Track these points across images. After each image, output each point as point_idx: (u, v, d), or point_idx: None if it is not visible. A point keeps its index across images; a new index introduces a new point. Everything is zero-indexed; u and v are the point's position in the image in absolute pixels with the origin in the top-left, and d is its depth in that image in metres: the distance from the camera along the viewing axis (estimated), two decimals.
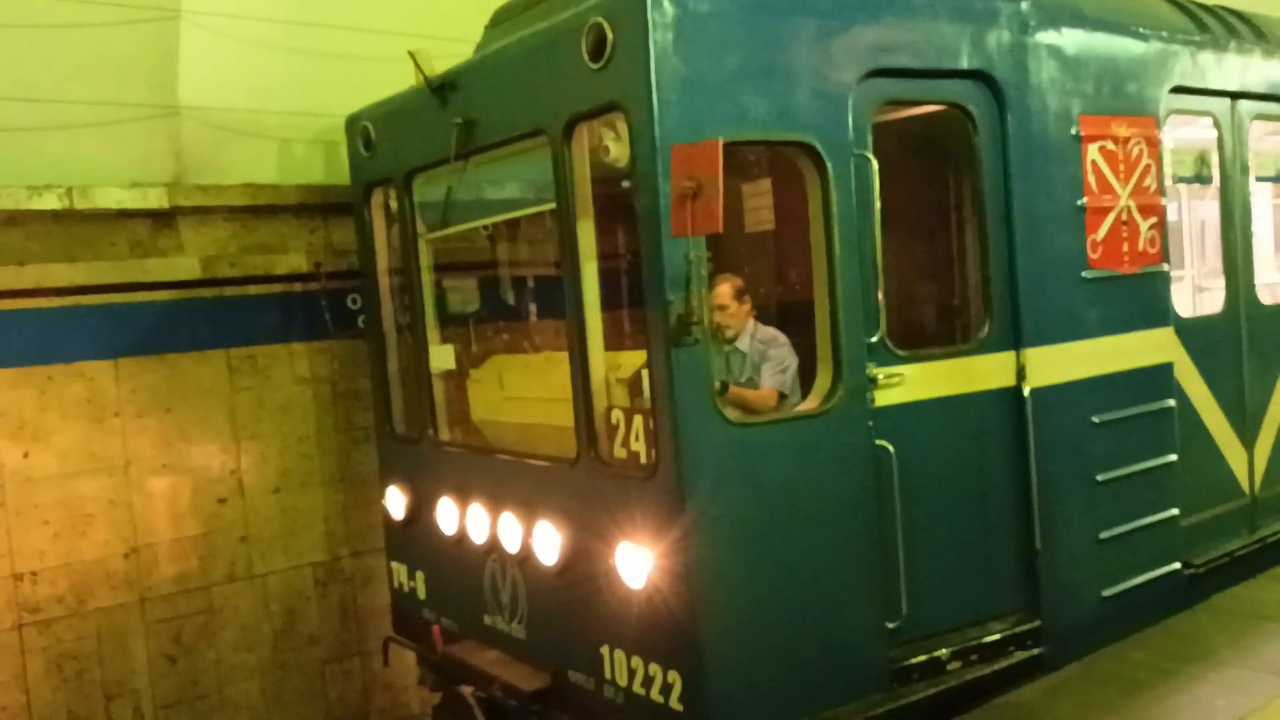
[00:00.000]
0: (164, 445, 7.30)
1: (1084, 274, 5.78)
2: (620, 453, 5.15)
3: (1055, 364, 5.63)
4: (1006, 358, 5.51)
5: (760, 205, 7.29)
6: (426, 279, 6.58)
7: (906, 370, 5.21)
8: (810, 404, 5.08)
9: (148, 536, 7.27)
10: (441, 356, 6.52)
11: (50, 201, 6.80)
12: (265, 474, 7.67)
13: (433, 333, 6.62)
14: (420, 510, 6.64)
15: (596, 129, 5.00)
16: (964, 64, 5.35)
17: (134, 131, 7.09)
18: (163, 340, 7.29)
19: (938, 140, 5.64)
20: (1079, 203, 5.75)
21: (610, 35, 4.66)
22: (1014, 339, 5.51)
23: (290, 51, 7.25)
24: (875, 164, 5.00)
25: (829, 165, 4.92)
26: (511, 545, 5.75)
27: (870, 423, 5.08)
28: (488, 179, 6.24)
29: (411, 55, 5.88)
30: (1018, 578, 5.52)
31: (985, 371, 5.46)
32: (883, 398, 5.15)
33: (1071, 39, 5.69)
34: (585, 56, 4.79)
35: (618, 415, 5.15)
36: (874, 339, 5.07)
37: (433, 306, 6.61)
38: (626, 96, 4.65)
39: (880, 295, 5.08)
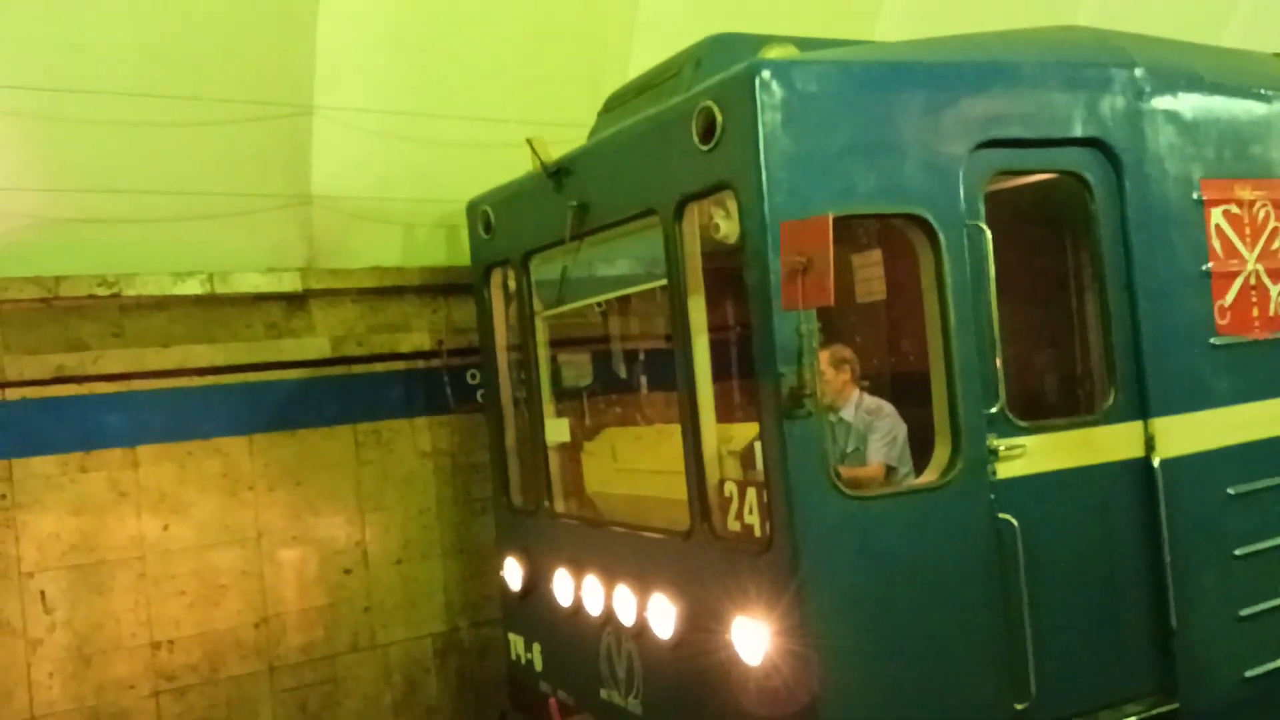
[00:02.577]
0: (293, 517, 7.59)
1: (1213, 341, 5.60)
2: (734, 525, 5.16)
3: (1186, 434, 5.44)
4: (1134, 428, 5.35)
5: (871, 276, 7.29)
6: (543, 354, 6.76)
7: (1028, 441, 5.11)
8: (929, 476, 5.01)
9: (277, 606, 7.52)
10: (556, 430, 6.65)
11: (193, 287, 7.24)
12: (388, 545, 7.88)
13: (548, 406, 6.78)
14: (536, 581, 6.73)
15: (706, 208, 5.11)
16: (1078, 132, 5.31)
17: (269, 220, 7.49)
18: (294, 416, 7.62)
19: (1055, 208, 5.58)
20: (1204, 268, 5.60)
21: (720, 118, 4.79)
22: (1141, 408, 5.36)
23: (414, 141, 7.60)
24: (989, 234, 4.98)
25: (941, 236, 4.92)
26: (626, 618, 5.77)
27: (992, 495, 4.98)
28: (601, 258, 6.41)
29: (529, 142, 6.12)
30: (1152, 658, 5.28)
31: (1111, 442, 5.31)
32: (1004, 470, 5.05)
33: (1189, 103, 5.60)
34: (695, 139, 4.93)
35: (731, 488, 5.17)
36: (993, 410, 5.00)
37: (548, 381, 6.78)
38: (736, 176, 4.76)
39: (999, 365, 5.01)
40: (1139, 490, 5.31)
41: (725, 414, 5.40)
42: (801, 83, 4.72)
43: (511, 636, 7.18)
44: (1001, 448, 5.03)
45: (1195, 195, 5.61)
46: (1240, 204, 5.76)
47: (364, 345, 7.89)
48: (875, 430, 5.95)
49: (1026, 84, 5.22)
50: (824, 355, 6.05)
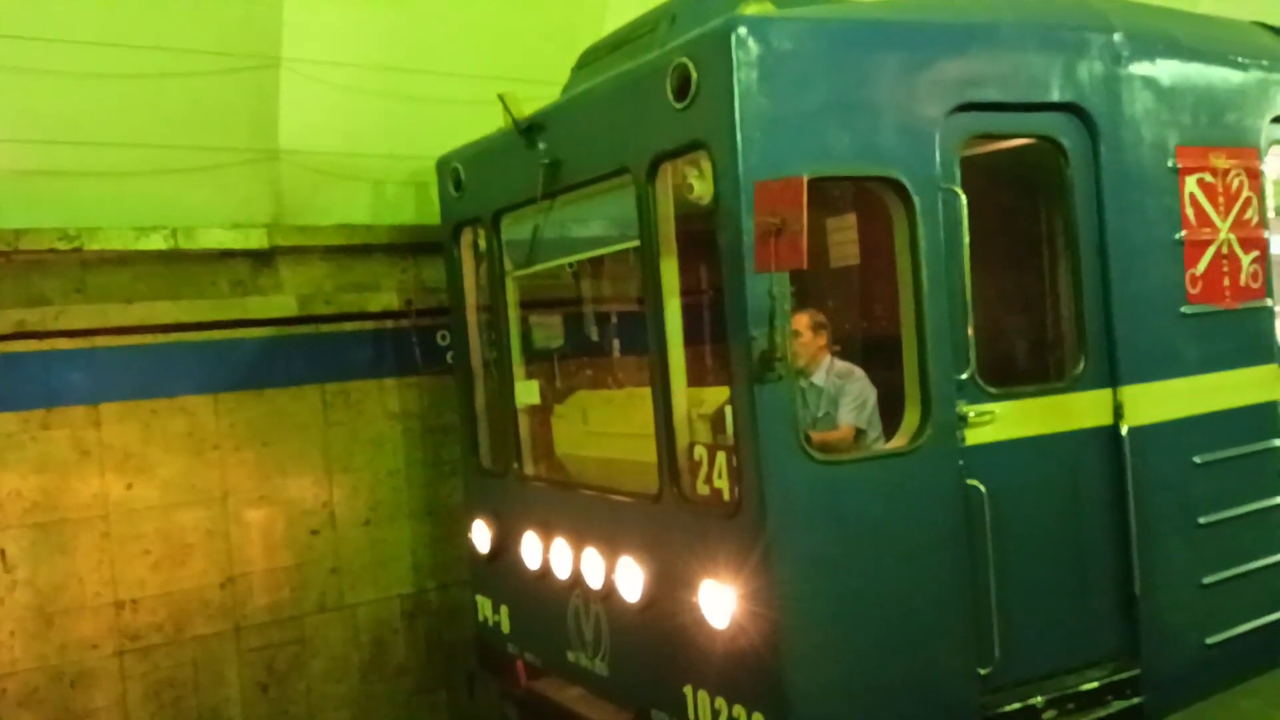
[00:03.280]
0: (260, 478, 7.50)
1: (1183, 309, 5.60)
2: (703, 489, 5.13)
3: (1154, 402, 5.45)
4: (1102, 395, 5.36)
5: (845, 240, 7.23)
6: (513, 316, 6.68)
7: (998, 408, 5.10)
8: (898, 442, 5.00)
9: (243, 566, 7.44)
10: (526, 392, 6.59)
11: (157, 242, 7.08)
12: (356, 507, 7.82)
13: (518, 368, 6.70)
14: (505, 544, 6.69)
15: (680, 167, 5.04)
16: (1055, 96, 5.26)
17: (235, 175, 7.34)
18: (260, 376, 7.50)
19: (1029, 173, 5.54)
20: (1176, 236, 5.59)
21: (695, 75, 4.71)
22: (1110, 376, 5.36)
23: (382, 96, 7.46)
24: (964, 198, 4.94)
25: (915, 200, 4.87)
26: (594, 581, 5.75)
27: (961, 461, 4.97)
28: (573, 218, 6.32)
29: (501, 98, 6.00)
30: (1116, 623, 5.32)
31: (1080, 410, 5.31)
32: (974, 436, 5.05)
33: (1167, 70, 5.56)
34: (670, 96, 4.84)
35: (700, 451, 5.14)
36: (964, 376, 4.99)
37: (518, 343, 6.70)
38: (710, 135, 4.68)
39: (970, 331, 4.99)
40: (1107, 458, 5.32)
41: (696, 377, 5.35)
42: (778, 40, 4.64)
43: (479, 599, 7.15)
44: (971, 414, 5.02)
45: (1170, 163, 5.58)
46: (1214, 172, 5.75)
47: (332, 304, 7.76)
48: (845, 394, 5.93)
49: (1004, 47, 5.16)
50: (803, 319, 6.07)
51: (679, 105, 4.81)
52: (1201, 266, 5.70)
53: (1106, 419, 5.36)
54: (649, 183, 5.14)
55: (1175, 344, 5.58)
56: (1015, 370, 5.76)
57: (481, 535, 6.92)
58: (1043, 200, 5.58)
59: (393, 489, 7.94)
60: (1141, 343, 5.42)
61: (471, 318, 7.13)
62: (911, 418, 4.98)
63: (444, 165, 7.05)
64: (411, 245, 7.94)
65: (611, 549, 5.61)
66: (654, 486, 5.32)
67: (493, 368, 6.89)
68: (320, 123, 7.43)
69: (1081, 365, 5.34)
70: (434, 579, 8.08)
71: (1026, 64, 5.21)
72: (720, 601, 4.82)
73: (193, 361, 7.29)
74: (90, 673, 6.96)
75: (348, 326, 7.79)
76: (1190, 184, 5.66)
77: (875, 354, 6.29)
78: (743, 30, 4.55)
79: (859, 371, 5.96)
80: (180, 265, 7.27)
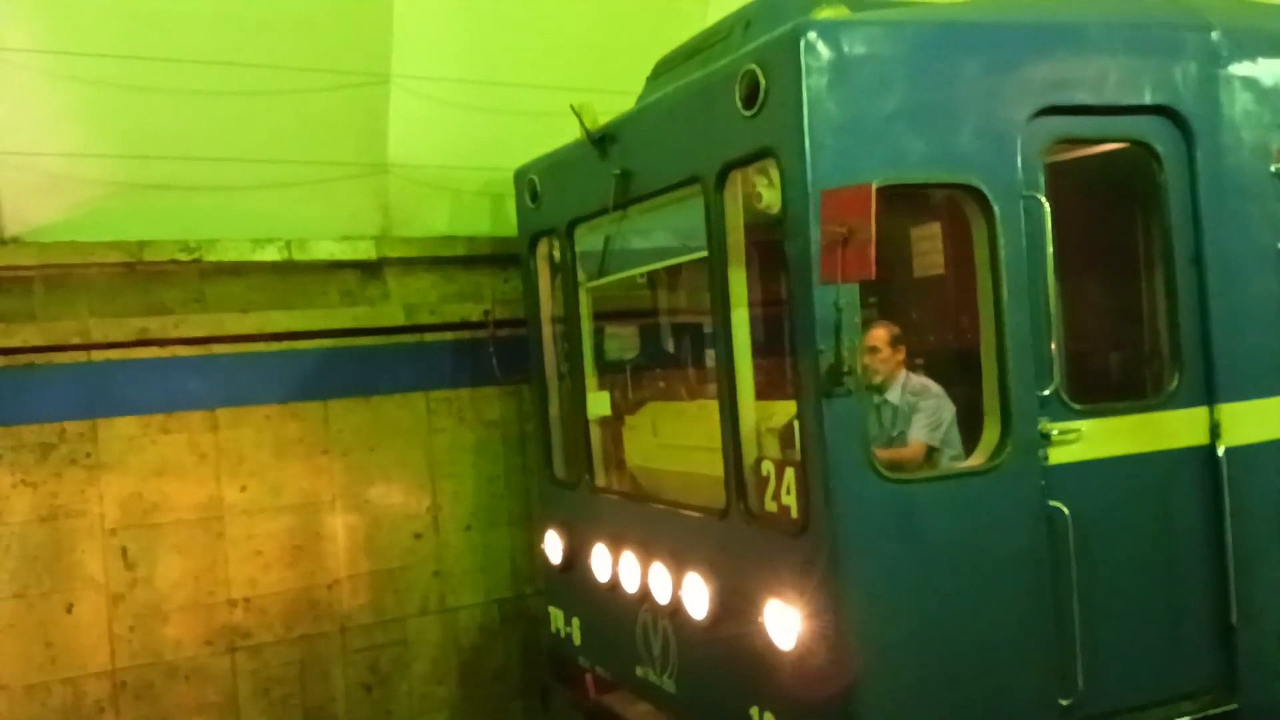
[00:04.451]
0: (367, 483, 7.67)
1: None
2: (770, 506, 5.00)
3: (1256, 420, 5.14)
4: (1198, 414, 5.07)
5: (930, 249, 7.01)
6: (586, 326, 6.65)
7: (1084, 426, 4.86)
8: (976, 460, 4.80)
9: (349, 569, 7.62)
10: (598, 403, 6.54)
11: (271, 254, 7.34)
12: (458, 512, 7.94)
13: (591, 379, 6.66)
14: (576, 555, 6.65)
15: (750, 176, 4.93)
16: (1146, 99, 5.00)
17: (345, 188, 7.52)
18: (368, 383, 7.69)
19: (1120, 179, 5.28)
20: (1279, 246, 5.27)
21: (763, 82, 4.60)
22: (1207, 393, 5.07)
23: (486, 111, 7.52)
24: (1047, 206, 4.72)
25: (995, 208, 4.68)
26: (662, 596, 5.66)
27: (1043, 481, 4.75)
28: (646, 228, 6.26)
29: (574, 109, 5.97)
30: (1211, 655, 5.02)
31: (1174, 428, 5.03)
32: (1057, 455, 4.81)
33: (1269, 69, 5.24)
34: (739, 104, 4.75)
35: (768, 467, 5.01)
36: (1047, 392, 4.76)
37: (591, 353, 6.66)
38: (779, 142, 4.57)
39: (1054, 345, 4.77)
40: (1202, 480, 5.03)
41: (766, 390, 5.23)
42: (849, 44, 4.50)
43: (552, 610, 7.13)
44: (1055, 431, 4.79)
45: (1274, 167, 5.27)
46: None
47: (436, 314, 7.91)
48: (919, 411, 5.75)
49: (1092, 47, 4.92)
50: (881, 333, 5.90)
51: (748, 113, 4.71)
52: None
53: (1202, 438, 5.07)
54: (718, 192, 5.05)
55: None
56: (1105, 386, 5.48)
57: (554, 546, 6.89)
58: (1135, 207, 5.31)
59: (492, 495, 8.05)
60: (1241, 358, 5.12)
61: (546, 328, 7.13)
62: (990, 435, 4.77)
63: (521, 176, 7.07)
64: (514, 256, 8.02)
65: (678, 564, 5.51)
66: (721, 501, 5.20)
67: (566, 378, 6.86)
68: (427, 137, 7.58)
69: (1176, 381, 5.06)
70: (531, 584, 8.14)
71: (1115, 65, 4.96)
72: (786, 622, 4.68)
73: (304, 369, 7.48)
74: (203, 669, 7.20)
75: (450, 335, 7.94)
76: None
77: (960, 368, 6.07)
78: (812, 35, 4.44)
79: (935, 387, 5.76)
80: (292, 276, 7.50)
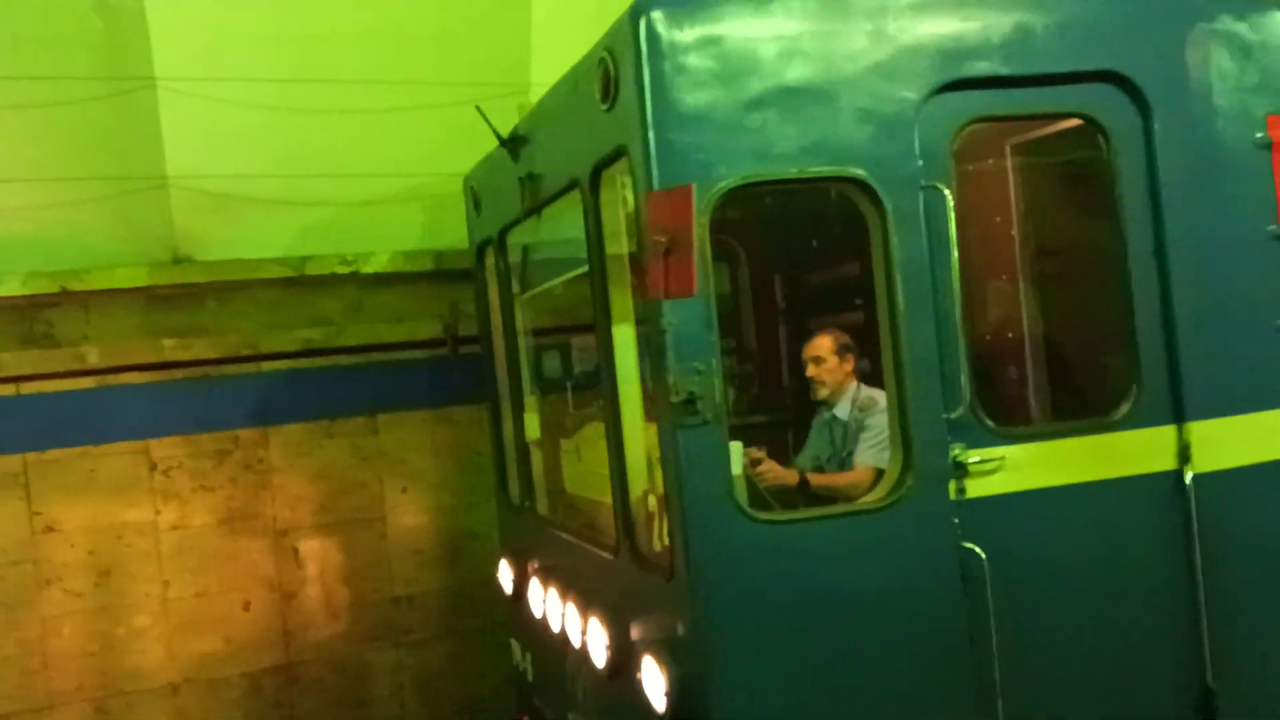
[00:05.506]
0: None
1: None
2: (657, 544, 4.46)
3: (1240, 441, 4.31)
4: (1161, 434, 4.27)
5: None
6: (523, 342, 6.21)
7: (1010, 452, 4.14)
8: (874, 495, 4.14)
9: None
10: (530, 424, 6.10)
11: (425, 263, 7.58)
12: None
13: (530, 398, 6.23)
14: (521, 585, 6.22)
15: (619, 178, 4.40)
16: (1086, 64, 4.23)
17: None
18: None
19: (1060, 160, 4.52)
20: (1271, 228, 4.41)
21: (613, 71, 4.06)
22: (1174, 410, 4.27)
23: None
24: (950, 196, 4.03)
25: (886, 203, 4.01)
26: (575, 638, 5.17)
27: (956, 520, 4.06)
28: (565, 235, 5.77)
29: (478, 108, 5.54)
30: None
31: (1131, 452, 4.25)
32: (976, 488, 4.11)
33: (1250, 19, 4.39)
34: (597, 96, 4.22)
35: (653, 502, 4.47)
36: (957, 413, 4.06)
37: (529, 371, 6.21)
38: (629, 138, 4.01)
39: (963, 358, 4.06)
40: (1166, 513, 4.24)
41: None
42: (701, 21, 3.91)
43: (512, 641, 6.71)
44: (971, 460, 4.09)
45: (1260, 135, 4.41)
46: None
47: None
48: (865, 429, 5.12)
49: (1008, 4, 4.18)
50: (826, 341, 5.38)
51: (604, 106, 4.18)
52: None
53: (1168, 463, 4.27)
54: (593, 196, 4.52)
55: (1271, 365, 4.40)
56: (1040, 405, 4.72)
57: (505, 575, 6.47)
58: (1077, 191, 4.53)
59: None
60: (1217, 366, 4.30)
61: (497, 342, 6.71)
62: (892, 466, 4.11)
63: (466, 183, 6.68)
64: None
65: (585, 604, 5.01)
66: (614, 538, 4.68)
67: (509, 398, 6.43)
68: None
69: (1134, 396, 4.27)
70: None
71: (1041, 24, 4.20)
72: (657, 680, 4.13)
73: (458, 375, 7.58)
74: (369, 665, 7.53)
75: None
76: None
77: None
78: (655, 14, 3.87)
79: (885, 401, 5.11)
80: (443, 285, 7.59)
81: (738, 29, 3.96)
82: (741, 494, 3.98)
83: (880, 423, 5.01)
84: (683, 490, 3.90)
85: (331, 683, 7.45)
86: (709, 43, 3.92)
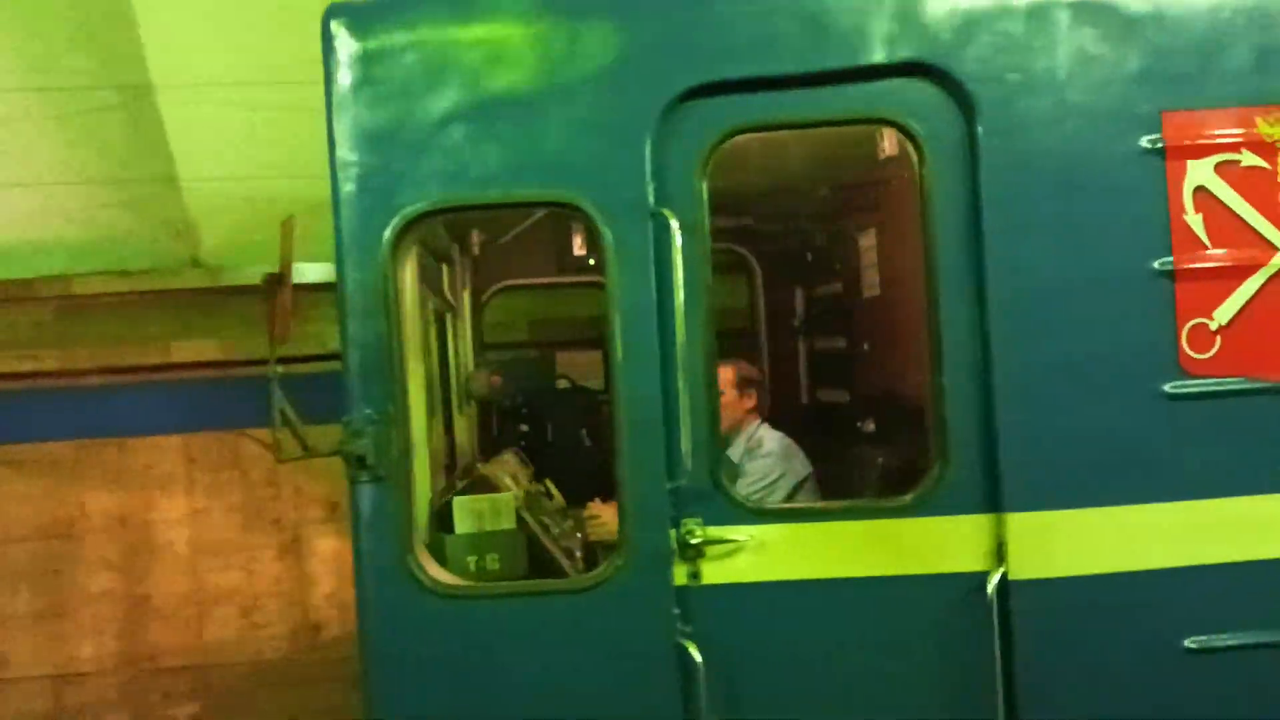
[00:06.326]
0: None
1: (1168, 386, 3.35)
2: None
3: (1091, 540, 3.32)
4: (972, 524, 3.36)
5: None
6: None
7: (762, 533, 3.40)
8: (594, 572, 3.54)
9: None
10: None
11: None
12: None
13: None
14: None
15: None
16: (881, 55, 3.38)
17: None
18: None
19: (857, 179, 3.65)
20: (1157, 265, 3.35)
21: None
22: (988, 494, 3.34)
23: None
24: (675, 224, 3.34)
25: (606, 233, 3.39)
26: None
27: (675, 610, 3.38)
28: None
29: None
30: None
31: (923, 544, 3.37)
32: (713, 573, 3.42)
33: None
34: None
35: None
36: (681, 482, 3.37)
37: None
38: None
39: (687, 420, 3.35)
40: (965, 626, 3.33)
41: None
42: (392, 26, 3.47)
43: None
44: (699, 539, 3.39)
45: (1147, 141, 3.36)
46: (1257, 146, 3.37)
47: None
48: (744, 475, 4.47)
49: None
50: (727, 373, 4.78)
51: None
52: (1223, 313, 3.38)
53: (978, 562, 3.36)
54: None
55: (1150, 443, 3.35)
56: (830, 480, 3.84)
57: None
58: (875, 218, 3.64)
59: None
60: (1065, 445, 3.32)
61: None
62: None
63: None
64: None
65: None
66: None
67: None
68: None
69: (934, 476, 3.39)
70: None
71: (829, 6, 3.39)
72: None
73: None
74: None
75: None
76: (1198, 173, 3.37)
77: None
78: (336, 21, 3.47)
79: (777, 445, 4.48)
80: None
81: (435, 34, 3.49)
82: (426, 561, 3.51)
83: (760, 469, 4.41)
84: (359, 553, 3.50)
85: None
86: (400, 50, 3.47)
